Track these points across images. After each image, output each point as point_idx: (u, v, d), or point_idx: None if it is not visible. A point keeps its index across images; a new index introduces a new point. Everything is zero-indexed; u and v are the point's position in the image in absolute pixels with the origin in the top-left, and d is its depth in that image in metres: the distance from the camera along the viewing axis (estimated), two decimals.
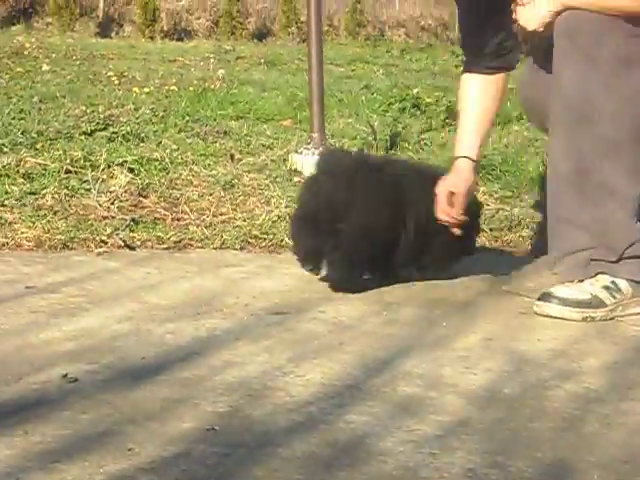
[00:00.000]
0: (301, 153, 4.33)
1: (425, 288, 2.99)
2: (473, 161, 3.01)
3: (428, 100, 6.21)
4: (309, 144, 4.34)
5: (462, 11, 3.14)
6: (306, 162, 4.25)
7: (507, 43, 3.04)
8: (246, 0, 12.62)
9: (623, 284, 2.72)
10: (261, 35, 12.64)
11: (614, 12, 2.65)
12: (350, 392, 2.08)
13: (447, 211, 2.91)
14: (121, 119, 5.03)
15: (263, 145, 4.78)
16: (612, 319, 2.70)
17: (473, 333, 2.54)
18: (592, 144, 2.67)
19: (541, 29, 2.78)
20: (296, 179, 4.14)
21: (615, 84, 2.65)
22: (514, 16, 2.86)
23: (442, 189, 2.92)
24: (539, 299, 2.72)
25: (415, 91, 6.38)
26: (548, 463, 1.76)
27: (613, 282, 2.72)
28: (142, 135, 4.73)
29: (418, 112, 6.02)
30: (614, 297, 2.71)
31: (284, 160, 4.39)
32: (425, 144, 4.97)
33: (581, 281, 2.71)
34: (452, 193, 2.92)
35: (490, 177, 4.30)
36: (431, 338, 2.49)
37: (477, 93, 3.10)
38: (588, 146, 2.68)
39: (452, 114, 5.82)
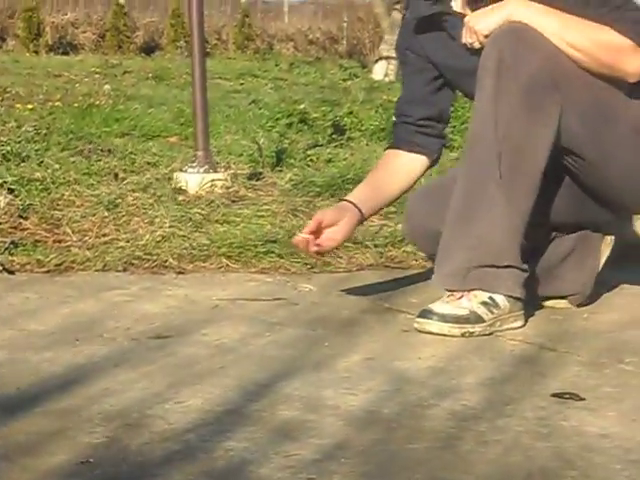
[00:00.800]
0: (186, 171, 4.30)
1: (309, 307, 3.00)
2: (358, 209, 2.96)
3: (315, 115, 6.25)
4: (193, 162, 4.32)
5: (404, 84, 3.12)
6: (190, 180, 4.24)
7: (435, 128, 3.06)
8: (133, 14, 12.51)
9: (500, 299, 2.78)
10: (149, 49, 12.54)
11: (571, 49, 2.72)
12: (230, 418, 2.07)
13: (307, 237, 2.88)
14: (1, 138, 4.93)
15: (148, 163, 4.75)
16: (491, 334, 2.75)
17: (355, 353, 2.55)
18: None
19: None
20: (180, 198, 4.11)
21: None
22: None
23: (319, 216, 2.93)
24: (419, 316, 2.76)
25: (302, 106, 6.41)
26: None
27: (490, 297, 2.77)
28: (23, 154, 4.63)
29: (305, 127, 6.05)
30: (492, 312, 2.76)
31: (168, 178, 4.35)
32: (311, 160, 5.00)
33: (460, 298, 2.76)
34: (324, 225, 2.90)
35: None
36: (313, 359, 2.49)
37: (393, 165, 3.07)
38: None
39: (338, 129, 5.89)
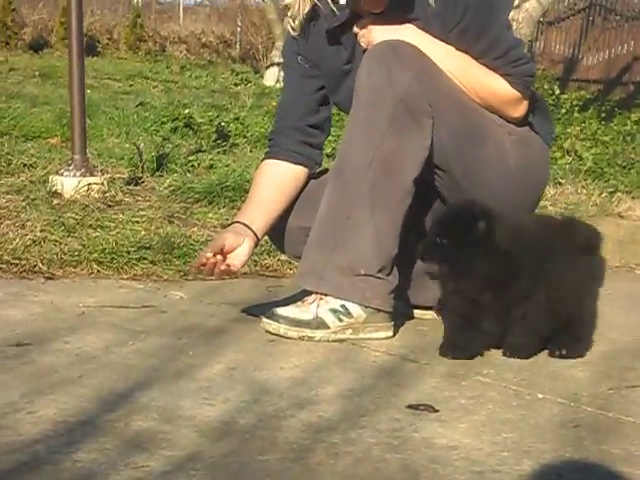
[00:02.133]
0: (62, 174, 4.24)
1: (177, 316, 2.99)
2: (253, 232, 2.93)
3: (200, 120, 6.23)
4: (70, 165, 4.26)
5: (286, 89, 3.11)
6: (66, 184, 4.18)
7: (317, 138, 3.06)
8: (22, 10, 12.27)
9: (355, 308, 2.81)
10: (37, 46, 12.31)
11: (469, 83, 2.84)
12: (82, 428, 2.05)
13: (216, 259, 2.86)
14: None
15: (25, 165, 4.67)
16: (339, 341, 2.80)
17: (218, 362, 2.55)
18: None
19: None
20: (55, 201, 4.05)
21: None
22: (359, 40, 2.89)
23: (220, 241, 2.90)
24: (266, 316, 2.82)
25: (187, 110, 6.38)
26: None
27: (343, 305, 2.80)
28: None
29: (190, 132, 6.03)
30: (340, 320, 2.79)
31: (44, 181, 4.29)
32: (192, 165, 4.98)
33: (311, 303, 2.79)
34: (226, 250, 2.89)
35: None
36: (175, 368, 2.49)
37: (277, 178, 3.02)
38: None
39: (223, 135, 5.88)
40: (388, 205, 2.79)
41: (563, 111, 8.56)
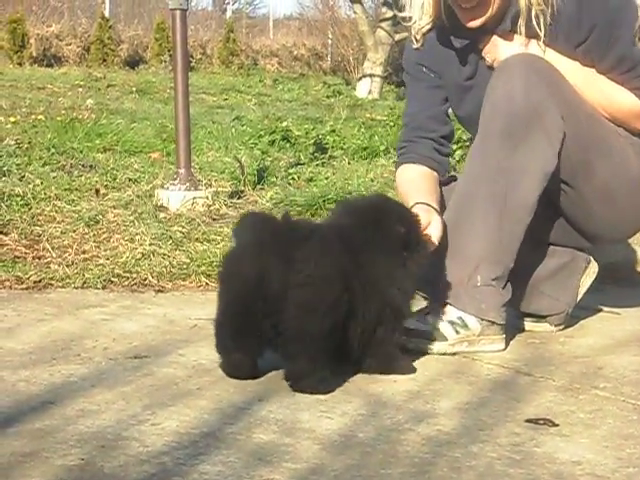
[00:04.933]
0: (167, 189, 4.31)
1: None
2: (434, 209, 2.80)
3: (297, 133, 6.27)
4: (175, 180, 4.33)
5: (411, 100, 3.09)
6: (172, 198, 4.25)
7: (447, 148, 3.05)
8: (118, 27, 12.52)
9: (471, 321, 2.80)
10: (133, 63, 12.54)
11: (596, 97, 2.84)
12: (205, 440, 2.07)
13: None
14: None
15: (130, 179, 4.75)
16: (455, 354, 2.78)
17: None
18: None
19: None
20: (162, 215, 4.12)
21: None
22: (485, 55, 2.89)
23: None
24: None
25: (284, 124, 6.43)
26: None
27: (460, 317, 2.79)
28: (4, 169, 4.64)
29: (287, 145, 6.07)
30: (457, 332, 2.78)
31: (150, 195, 4.36)
32: (292, 178, 5.01)
33: (428, 314, 2.78)
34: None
35: None
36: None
37: (423, 174, 2.96)
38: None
39: (320, 147, 5.91)
40: (513, 218, 2.77)
41: None
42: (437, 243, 2.70)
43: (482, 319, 2.80)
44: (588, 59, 2.83)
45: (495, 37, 2.87)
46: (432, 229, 2.69)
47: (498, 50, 2.86)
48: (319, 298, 2.37)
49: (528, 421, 2.29)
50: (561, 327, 3.12)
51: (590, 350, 2.94)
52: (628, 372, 2.71)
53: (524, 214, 2.77)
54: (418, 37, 2.97)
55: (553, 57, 2.82)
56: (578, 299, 3.13)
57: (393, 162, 5.53)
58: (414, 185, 2.92)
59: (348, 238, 2.48)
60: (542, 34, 2.79)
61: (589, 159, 2.85)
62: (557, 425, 2.27)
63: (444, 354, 2.77)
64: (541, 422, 2.28)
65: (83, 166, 4.94)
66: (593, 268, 3.14)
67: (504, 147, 2.74)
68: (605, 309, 3.47)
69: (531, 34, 2.82)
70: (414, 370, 2.60)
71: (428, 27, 2.94)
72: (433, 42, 2.97)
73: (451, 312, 2.79)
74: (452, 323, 2.78)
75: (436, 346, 2.77)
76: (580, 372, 2.70)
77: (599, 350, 2.95)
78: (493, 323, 2.81)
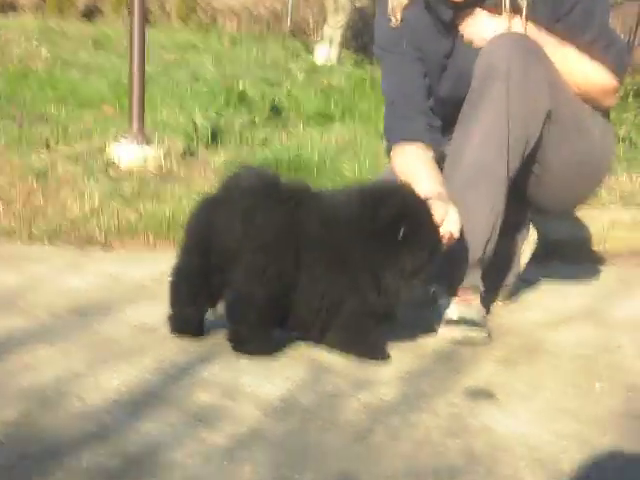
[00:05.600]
0: (119, 144, 4.27)
1: None
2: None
3: (253, 94, 6.22)
4: (127, 136, 4.29)
5: (393, 76, 3.01)
6: (123, 154, 4.21)
7: (436, 121, 2.98)
8: None
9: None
10: (90, 14, 12.36)
11: (573, 74, 2.82)
12: (146, 400, 2.07)
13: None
14: None
15: (81, 133, 4.69)
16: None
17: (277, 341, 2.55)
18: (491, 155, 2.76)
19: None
20: (112, 171, 4.08)
21: None
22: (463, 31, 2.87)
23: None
24: (444, 325, 2.74)
25: (241, 85, 6.38)
26: (333, 475, 1.81)
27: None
28: None
29: (243, 106, 6.02)
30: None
31: (101, 151, 4.32)
32: (246, 140, 4.98)
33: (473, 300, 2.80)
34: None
35: (307, 179, 4.32)
36: None
37: (424, 158, 2.87)
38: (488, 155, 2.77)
39: (276, 110, 5.88)
40: (500, 196, 2.80)
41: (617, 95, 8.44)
42: (456, 236, 2.63)
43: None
44: (568, 33, 2.84)
45: (478, 11, 2.86)
46: (450, 224, 2.61)
47: (480, 25, 2.85)
48: (268, 266, 2.36)
49: (467, 392, 2.32)
50: (507, 301, 3.16)
51: (532, 324, 2.97)
52: (568, 346, 2.75)
53: (505, 190, 2.80)
54: (397, 12, 2.94)
55: (534, 32, 2.81)
56: (520, 269, 3.18)
57: (347, 130, 5.55)
58: (420, 170, 2.82)
59: (332, 212, 2.46)
60: (524, 9, 2.79)
61: (564, 137, 2.88)
62: (495, 397, 2.30)
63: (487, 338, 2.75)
64: (479, 394, 2.31)
65: (34, 118, 4.87)
66: (533, 236, 3.19)
67: (501, 128, 2.75)
68: (549, 284, 3.52)
69: (514, 8, 2.81)
70: (382, 357, 2.49)
71: (406, 2, 2.92)
72: (410, 18, 2.95)
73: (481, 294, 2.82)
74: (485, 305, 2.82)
75: (479, 329, 2.74)
76: (520, 345, 2.73)
77: (541, 324, 2.98)
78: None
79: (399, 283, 2.43)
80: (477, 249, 2.77)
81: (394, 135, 2.96)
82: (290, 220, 2.40)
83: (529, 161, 2.86)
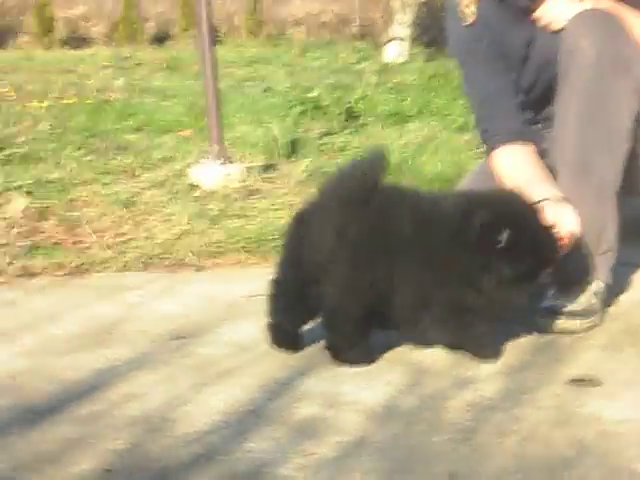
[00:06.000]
0: (200, 166, 4.32)
1: None
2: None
3: (328, 102, 6.24)
4: (208, 156, 4.34)
5: (478, 77, 2.94)
6: (206, 175, 4.26)
7: (528, 114, 2.92)
8: (143, 4, 12.52)
9: (604, 287, 2.78)
10: (161, 39, 12.55)
11: None
12: (250, 418, 2.10)
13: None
14: (18, 139, 4.98)
15: (162, 158, 4.76)
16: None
17: (374, 346, 2.55)
18: (596, 137, 2.72)
19: None
20: (196, 193, 4.13)
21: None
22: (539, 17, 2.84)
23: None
24: (555, 315, 2.68)
25: (315, 93, 6.40)
26: (441, 477, 1.80)
27: (600, 287, 2.77)
28: (40, 155, 4.68)
29: (318, 114, 6.04)
30: (601, 302, 2.76)
31: (184, 174, 4.37)
32: (325, 148, 5.00)
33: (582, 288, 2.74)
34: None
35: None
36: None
37: (531, 158, 2.81)
38: (592, 139, 2.72)
39: (351, 115, 5.89)
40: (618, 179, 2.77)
41: None
42: (577, 234, 2.57)
43: (607, 284, 2.80)
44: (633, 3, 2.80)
45: None
46: (568, 224, 2.54)
47: (555, 8, 2.82)
48: (358, 277, 2.36)
49: (571, 382, 2.29)
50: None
51: (632, 306, 2.92)
52: None
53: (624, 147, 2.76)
54: (471, 9, 2.90)
55: (612, 6, 2.76)
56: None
57: (425, 125, 5.53)
58: (528, 173, 2.75)
59: (431, 216, 2.41)
60: None
61: None
62: (600, 384, 2.26)
63: (591, 328, 2.70)
64: (584, 382, 2.28)
65: (116, 148, 4.96)
66: None
67: (612, 114, 2.71)
68: None
69: None
70: (496, 355, 2.46)
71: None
72: (483, 14, 2.91)
73: (592, 284, 2.75)
74: (597, 294, 2.75)
75: (587, 322, 2.69)
76: (621, 330, 2.69)
77: None
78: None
79: (500, 287, 2.37)
80: (593, 240, 2.73)
81: (492, 137, 2.88)
82: (382, 224, 2.37)
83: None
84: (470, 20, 2.91)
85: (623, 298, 3.00)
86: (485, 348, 2.45)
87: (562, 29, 2.80)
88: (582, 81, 2.71)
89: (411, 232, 2.37)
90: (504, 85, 2.90)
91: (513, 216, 2.38)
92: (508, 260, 2.34)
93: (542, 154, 2.85)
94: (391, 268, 2.35)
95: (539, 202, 2.49)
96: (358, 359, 2.41)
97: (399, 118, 5.84)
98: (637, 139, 2.82)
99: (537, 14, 2.86)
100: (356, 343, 2.42)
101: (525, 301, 2.46)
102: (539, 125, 3.00)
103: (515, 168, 2.79)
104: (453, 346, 2.46)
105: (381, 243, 2.35)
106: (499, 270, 2.35)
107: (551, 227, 2.44)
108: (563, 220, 2.52)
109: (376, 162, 2.46)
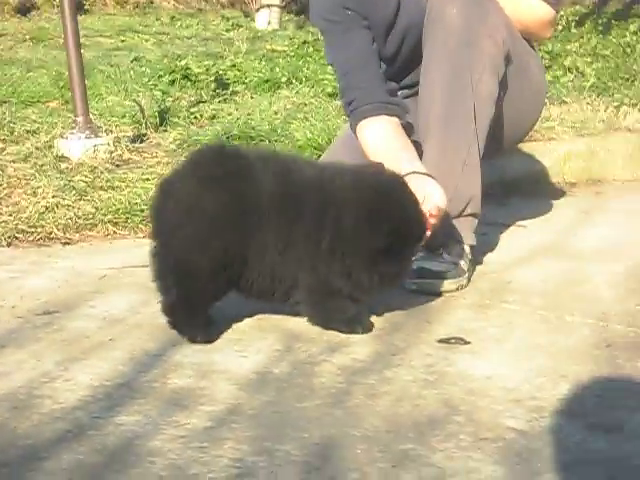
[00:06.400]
0: (67, 138, 4.22)
1: None
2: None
3: (198, 70, 6.16)
4: (74, 128, 4.23)
5: (341, 47, 2.91)
6: (72, 147, 4.15)
7: (393, 87, 2.92)
8: None
9: (467, 249, 2.82)
10: (24, 10, 12.18)
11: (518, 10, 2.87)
12: (120, 391, 2.06)
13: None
14: None
15: (28, 131, 4.62)
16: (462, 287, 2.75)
17: (246, 314, 2.53)
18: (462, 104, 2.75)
19: None
20: (63, 166, 4.03)
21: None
22: None
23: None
24: (416, 276, 2.69)
25: (184, 62, 6.31)
26: (315, 442, 1.80)
27: (462, 248, 2.80)
28: None
29: (188, 83, 5.96)
30: (467, 262, 2.79)
31: (50, 146, 4.26)
32: (195, 117, 4.94)
33: (441, 252, 2.75)
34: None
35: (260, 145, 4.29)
36: None
37: (395, 129, 2.81)
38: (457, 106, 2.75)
39: (221, 83, 5.83)
40: (481, 143, 2.80)
41: (560, 28, 8.44)
42: (443, 207, 2.56)
43: (471, 246, 2.84)
44: None
45: None
46: (434, 198, 2.52)
47: None
48: (210, 239, 2.29)
49: (440, 341, 2.32)
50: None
51: (498, 265, 2.99)
52: (536, 283, 2.77)
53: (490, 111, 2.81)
54: None
55: None
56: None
57: (296, 93, 5.52)
58: (392, 147, 2.75)
59: (290, 192, 2.33)
60: None
61: (513, 74, 2.89)
62: (469, 343, 2.31)
63: (459, 289, 2.73)
64: (453, 341, 2.32)
65: None
66: None
67: (470, 76, 2.74)
68: (511, 223, 3.53)
69: None
70: (363, 329, 2.40)
71: None
72: None
73: (457, 246, 2.78)
74: (462, 255, 2.77)
75: (454, 282, 2.72)
76: (489, 288, 2.75)
77: (507, 264, 3.00)
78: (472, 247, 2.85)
79: (368, 275, 2.33)
80: (459, 206, 2.78)
81: (356, 110, 2.87)
82: (242, 193, 2.31)
83: None
84: None
85: (490, 258, 3.07)
86: (355, 329, 2.40)
87: None
88: (447, 49, 2.74)
89: (273, 204, 2.31)
90: (367, 55, 2.89)
91: (388, 208, 2.31)
92: (379, 250, 2.30)
93: (406, 126, 2.87)
94: (247, 239, 2.28)
95: (405, 176, 2.47)
96: (196, 337, 2.34)
97: (270, 86, 5.81)
98: (500, 104, 2.87)
99: None
100: (198, 320, 2.36)
101: (397, 284, 2.47)
102: (405, 91, 3.03)
103: (380, 142, 2.80)
104: (322, 325, 2.43)
105: (236, 212, 2.28)
106: (371, 260, 2.31)
107: (418, 206, 2.39)
108: (428, 193, 2.52)
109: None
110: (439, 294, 2.67)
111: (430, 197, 2.51)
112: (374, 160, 2.62)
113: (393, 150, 2.73)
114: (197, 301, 2.34)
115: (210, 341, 2.34)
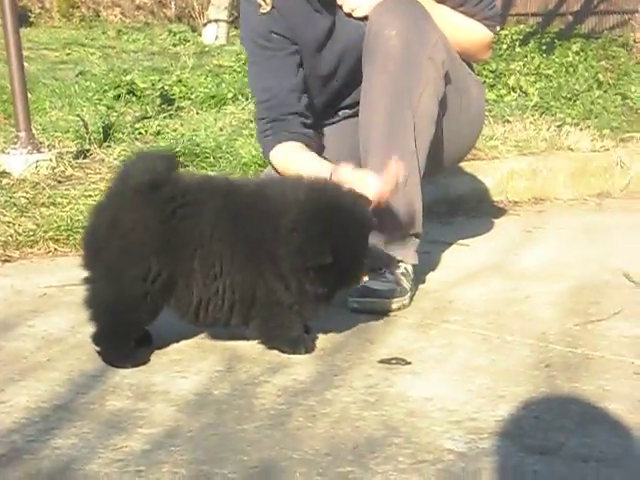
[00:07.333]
0: (8, 154, 4.16)
1: None
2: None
3: (143, 85, 6.13)
4: (16, 143, 4.18)
5: (264, 73, 2.92)
6: (14, 163, 4.10)
7: (310, 119, 2.91)
8: None
9: (410, 268, 2.83)
10: None
11: (455, 33, 2.90)
12: (57, 413, 2.03)
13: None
14: None
15: None
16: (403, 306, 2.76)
17: (186, 334, 2.52)
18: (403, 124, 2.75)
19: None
20: (4, 181, 3.98)
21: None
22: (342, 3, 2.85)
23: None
24: (358, 295, 2.70)
25: (130, 77, 6.27)
26: (253, 465, 1.79)
27: (405, 268, 2.81)
28: None
29: (133, 98, 5.92)
30: (409, 282, 2.80)
31: None
32: (140, 133, 4.91)
33: (384, 272, 2.75)
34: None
35: (204, 165, 4.28)
36: None
37: (305, 152, 2.83)
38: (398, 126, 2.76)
39: (167, 99, 5.80)
40: (423, 162, 2.81)
41: (504, 47, 8.55)
42: (394, 188, 2.57)
43: (413, 265, 2.85)
44: None
45: None
46: (372, 186, 2.52)
47: None
48: (130, 267, 2.25)
49: (381, 362, 2.32)
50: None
51: (441, 284, 3.00)
52: (477, 303, 2.78)
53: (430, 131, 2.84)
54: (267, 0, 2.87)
55: None
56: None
57: (242, 109, 5.51)
58: (307, 158, 2.79)
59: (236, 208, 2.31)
60: None
61: (451, 95, 2.91)
62: (409, 363, 2.31)
63: (401, 308, 2.73)
64: (394, 362, 2.32)
65: None
66: None
67: (410, 98, 2.74)
68: (454, 241, 3.55)
69: None
70: (305, 350, 2.38)
71: None
72: (281, 4, 2.90)
73: (399, 266, 2.78)
74: (404, 275, 2.78)
75: (397, 301, 2.72)
76: (432, 307, 2.75)
77: (450, 283, 3.01)
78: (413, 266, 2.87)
79: (307, 284, 2.30)
80: (403, 224, 2.81)
81: (267, 138, 2.90)
82: (170, 218, 2.25)
83: None
84: (267, 9, 2.89)
85: (433, 276, 3.08)
86: (298, 349, 2.38)
87: (366, 16, 2.83)
88: (387, 71, 2.75)
89: (207, 225, 2.27)
90: (293, 86, 2.89)
91: (335, 227, 2.28)
92: (324, 267, 2.27)
93: (320, 150, 2.92)
94: (176, 261, 2.25)
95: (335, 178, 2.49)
96: (125, 364, 2.30)
97: (216, 102, 5.79)
98: (439, 123, 2.89)
99: (341, 0, 2.88)
100: (124, 349, 2.32)
101: (341, 297, 2.46)
102: (346, 111, 3.04)
103: (288, 160, 2.82)
104: (265, 343, 2.42)
105: (161, 235, 2.24)
106: (317, 276, 2.29)
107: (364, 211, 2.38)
108: (365, 184, 2.52)
109: (167, 156, 2.40)
110: (381, 313, 2.68)
111: (367, 186, 2.50)
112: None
113: (304, 162, 2.75)
114: (121, 331, 2.30)
115: (144, 362, 2.31)
